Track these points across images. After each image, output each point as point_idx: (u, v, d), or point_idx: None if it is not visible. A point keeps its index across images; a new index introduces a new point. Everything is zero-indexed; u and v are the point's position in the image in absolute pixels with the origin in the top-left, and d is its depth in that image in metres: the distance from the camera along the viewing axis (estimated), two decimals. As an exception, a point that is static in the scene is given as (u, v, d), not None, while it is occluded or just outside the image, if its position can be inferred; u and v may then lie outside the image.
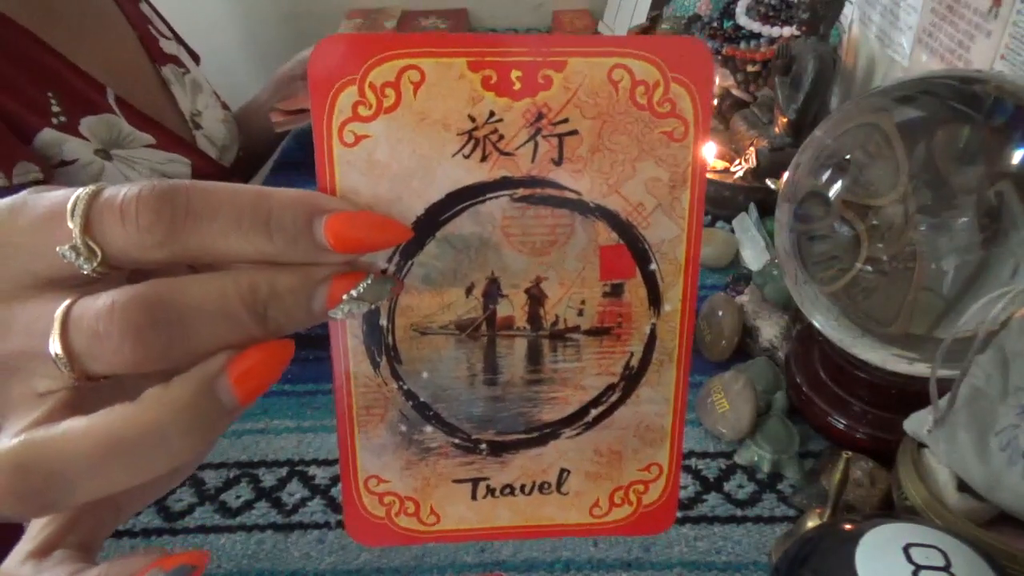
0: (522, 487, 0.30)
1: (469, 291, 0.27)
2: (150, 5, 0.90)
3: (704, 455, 0.56)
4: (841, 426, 0.53)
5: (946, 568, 0.32)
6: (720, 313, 0.63)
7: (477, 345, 0.28)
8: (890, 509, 0.48)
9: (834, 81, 0.81)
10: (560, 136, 0.26)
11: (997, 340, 0.42)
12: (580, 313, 0.28)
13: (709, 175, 0.80)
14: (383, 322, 0.27)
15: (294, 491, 0.54)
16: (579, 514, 0.31)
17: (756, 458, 0.54)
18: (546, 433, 0.30)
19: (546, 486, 0.30)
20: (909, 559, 0.33)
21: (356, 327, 0.27)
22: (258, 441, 0.58)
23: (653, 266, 0.28)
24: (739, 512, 0.52)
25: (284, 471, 0.56)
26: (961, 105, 0.49)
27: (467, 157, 0.25)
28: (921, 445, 0.46)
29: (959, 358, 0.42)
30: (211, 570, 0.49)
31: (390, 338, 0.27)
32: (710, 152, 0.81)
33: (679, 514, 0.51)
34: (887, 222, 0.51)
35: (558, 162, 0.26)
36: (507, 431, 0.29)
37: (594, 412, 0.30)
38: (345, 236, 0.23)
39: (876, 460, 0.50)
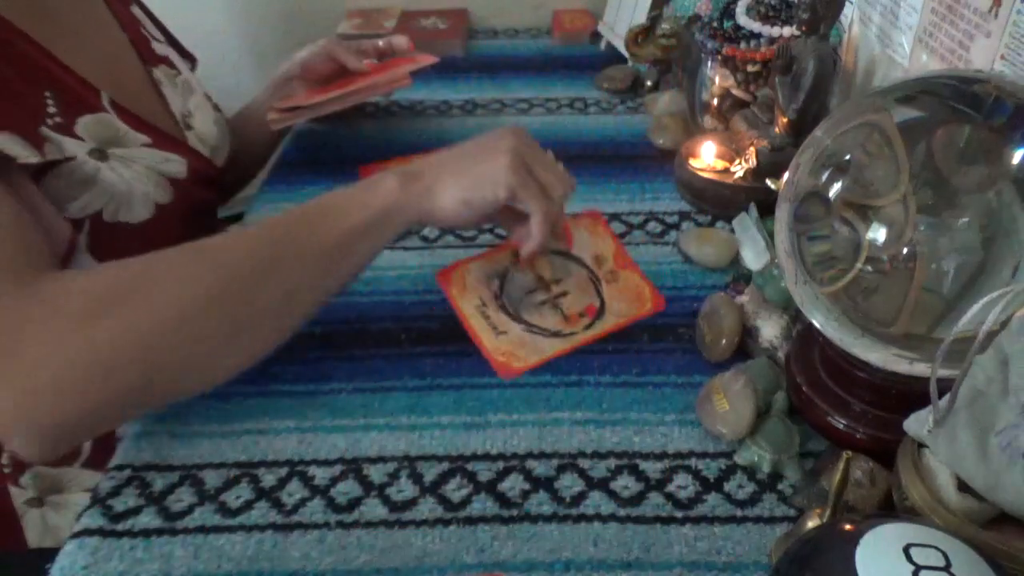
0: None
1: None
2: (142, 8, 0.89)
3: (704, 455, 0.56)
4: (841, 426, 0.53)
5: (946, 568, 0.32)
6: (720, 313, 0.63)
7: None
8: (890, 509, 0.48)
9: (834, 81, 0.81)
10: None
11: (997, 340, 0.42)
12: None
13: (709, 175, 0.80)
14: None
15: (294, 491, 0.54)
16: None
17: (756, 458, 0.54)
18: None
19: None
20: (909, 559, 0.33)
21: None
22: (258, 441, 0.58)
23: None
24: (739, 512, 0.52)
25: (284, 471, 0.56)
26: (961, 105, 0.49)
27: None
28: (921, 445, 0.46)
29: (959, 358, 0.42)
30: (211, 570, 0.49)
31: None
32: (710, 152, 0.81)
33: (679, 514, 0.52)
34: (887, 222, 0.51)
35: None
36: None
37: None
38: None
39: (876, 460, 0.50)
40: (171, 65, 0.85)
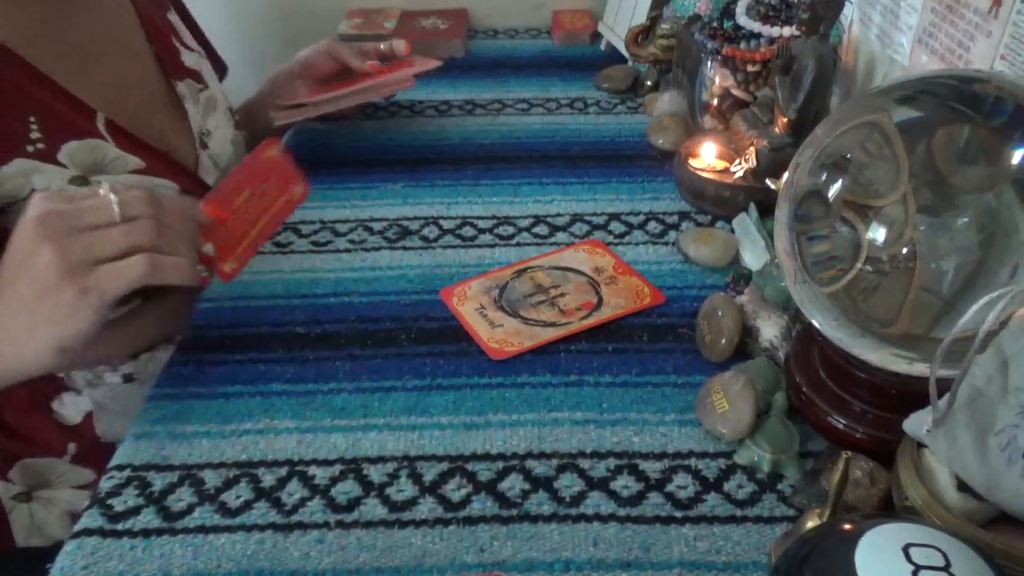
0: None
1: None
2: (180, 14, 0.89)
3: (704, 455, 0.56)
4: (841, 426, 0.53)
5: (946, 568, 0.32)
6: (720, 313, 0.63)
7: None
8: (890, 509, 0.48)
9: (834, 81, 0.81)
10: None
11: (997, 340, 0.42)
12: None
13: (709, 175, 0.80)
14: None
15: (294, 491, 0.54)
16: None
17: (756, 458, 0.54)
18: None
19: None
20: (909, 559, 0.33)
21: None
22: (258, 441, 0.58)
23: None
24: (739, 512, 0.52)
25: (284, 471, 0.56)
26: (961, 105, 0.49)
27: None
28: (921, 445, 0.46)
29: (959, 358, 0.42)
30: (211, 570, 0.49)
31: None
32: (710, 152, 0.81)
33: (679, 514, 0.52)
34: (887, 222, 0.51)
35: None
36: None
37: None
38: None
39: (876, 460, 0.50)
40: (198, 79, 0.84)
